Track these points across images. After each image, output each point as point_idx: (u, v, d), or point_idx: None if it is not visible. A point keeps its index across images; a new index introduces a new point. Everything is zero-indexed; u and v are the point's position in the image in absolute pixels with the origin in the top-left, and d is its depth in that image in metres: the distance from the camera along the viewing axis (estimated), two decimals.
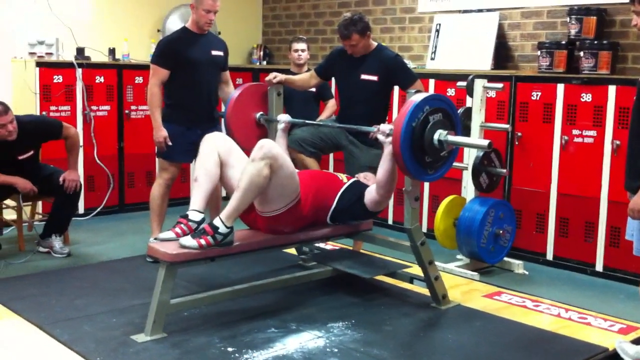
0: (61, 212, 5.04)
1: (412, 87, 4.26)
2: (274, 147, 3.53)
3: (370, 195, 3.87)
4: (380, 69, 4.38)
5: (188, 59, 4.65)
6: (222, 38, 5.12)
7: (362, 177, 4.09)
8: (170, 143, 4.67)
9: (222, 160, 3.77)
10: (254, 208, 3.68)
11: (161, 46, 4.75)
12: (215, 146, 3.78)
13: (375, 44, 4.49)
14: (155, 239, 3.66)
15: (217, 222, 3.48)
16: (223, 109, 4.79)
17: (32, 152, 4.96)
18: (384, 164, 3.74)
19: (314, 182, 3.91)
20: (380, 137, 3.77)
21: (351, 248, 4.81)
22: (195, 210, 3.67)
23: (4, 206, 5.35)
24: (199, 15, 4.65)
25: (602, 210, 4.80)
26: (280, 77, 4.52)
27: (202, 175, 3.74)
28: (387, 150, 3.72)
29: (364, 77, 4.40)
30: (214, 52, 4.80)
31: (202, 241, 3.43)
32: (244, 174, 3.47)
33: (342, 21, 4.36)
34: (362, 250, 4.73)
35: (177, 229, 3.60)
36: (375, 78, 4.38)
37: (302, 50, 5.45)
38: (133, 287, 4.27)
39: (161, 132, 4.67)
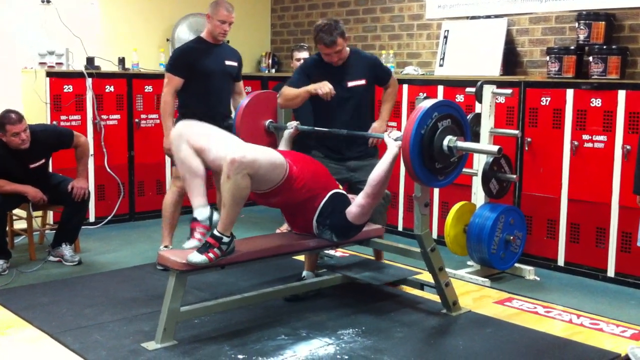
0: (70, 221, 5.07)
1: (390, 81, 4.35)
2: (245, 154, 3.37)
3: (355, 203, 3.79)
4: (366, 71, 4.28)
5: (202, 69, 4.68)
6: (231, 47, 5.14)
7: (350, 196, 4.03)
8: None
9: (197, 148, 3.65)
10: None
11: (176, 55, 4.80)
12: (183, 138, 3.66)
13: (348, 49, 4.31)
14: (183, 248, 3.59)
15: (217, 233, 3.47)
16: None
17: (43, 161, 4.99)
18: (383, 164, 3.69)
19: (315, 166, 3.89)
20: (388, 139, 3.76)
21: (360, 254, 4.80)
22: (199, 207, 3.65)
23: (15, 217, 5.38)
24: (214, 25, 4.69)
25: (613, 216, 4.78)
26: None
27: (186, 172, 3.68)
28: (392, 151, 3.70)
29: (351, 84, 4.24)
30: (228, 62, 4.83)
31: (211, 254, 3.43)
32: (224, 192, 3.40)
33: (322, 27, 4.13)
34: (370, 257, 4.72)
35: (197, 235, 3.60)
36: (363, 82, 4.27)
37: (305, 59, 5.44)
38: (143, 295, 4.28)
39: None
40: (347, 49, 4.30)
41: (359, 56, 4.37)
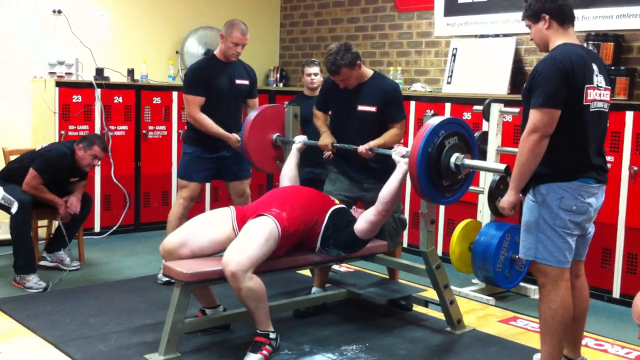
0: (74, 227, 5.09)
1: (396, 125, 4.11)
2: (240, 262, 3.33)
3: (363, 218, 3.78)
4: (379, 98, 4.10)
5: (213, 88, 4.70)
6: (246, 64, 5.08)
7: (352, 209, 4.02)
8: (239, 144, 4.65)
9: (189, 254, 3.61)
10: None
11: (190, 75, 4.79)
12: (173, 256, 3.60)
13: (371, 72, 4.21)
14: None
15: (261, 331, 3.52)
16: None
17: (78, 178, 5.10)
18: (393, 181, 3.71)
19: (304, 196, 3.83)
20: (395, 157, 3.77)
21: (364, 270, 4.79)
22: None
23: None
24: (227, 46, 4.69)
25: (619, 237, 4.76)
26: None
27: None
28: (401, 169, 3.71)
29: (360, 108, 4.13)
30: (239, 81, 4.83)
31: (265, 352, 3.47)
32: (244, 300, 3.42)
33: (327, 56, 4.01)
34: (375, 273, 4.71)
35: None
36: (373, 109, 4.11)
37: (315, 74, 5.45)
38: (147, 306, 4.28)
39: (234, 137, 4.71)
40: (370, 71, 4.21)
41: (379, 82, 4.18)
